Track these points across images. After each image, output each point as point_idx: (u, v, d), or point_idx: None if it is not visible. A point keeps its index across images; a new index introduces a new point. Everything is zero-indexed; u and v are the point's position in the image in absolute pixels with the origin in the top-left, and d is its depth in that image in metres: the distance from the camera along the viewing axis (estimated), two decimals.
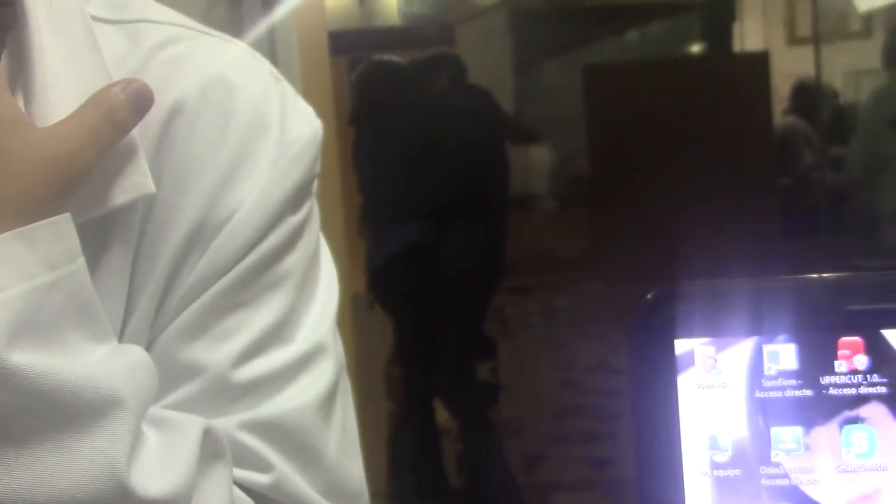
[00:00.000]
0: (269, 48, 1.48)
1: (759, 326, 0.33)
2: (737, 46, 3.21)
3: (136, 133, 0.42)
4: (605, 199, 2.70)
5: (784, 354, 0.34)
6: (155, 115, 0.43)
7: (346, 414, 0.48)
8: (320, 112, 0.51)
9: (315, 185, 0.50)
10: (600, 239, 2.76)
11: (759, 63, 2.75)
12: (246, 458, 0.42)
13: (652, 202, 2.49)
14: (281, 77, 0.50)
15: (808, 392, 0.34)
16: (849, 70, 3.15)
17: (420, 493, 2.43)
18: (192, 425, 0.40)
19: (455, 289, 2.41)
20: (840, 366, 0.34)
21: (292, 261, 0.46)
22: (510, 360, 2.71)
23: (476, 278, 2.45)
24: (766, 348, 0.34)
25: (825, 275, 0.34)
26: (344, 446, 0.46)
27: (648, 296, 0.33)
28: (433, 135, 2.42)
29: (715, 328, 0.33)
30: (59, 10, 0.43)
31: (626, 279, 2.46)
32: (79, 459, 0.35)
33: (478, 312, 2.51)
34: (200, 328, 0.43)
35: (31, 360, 0.34)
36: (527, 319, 2.73)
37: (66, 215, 0.38)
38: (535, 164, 3.11)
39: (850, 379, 0.34)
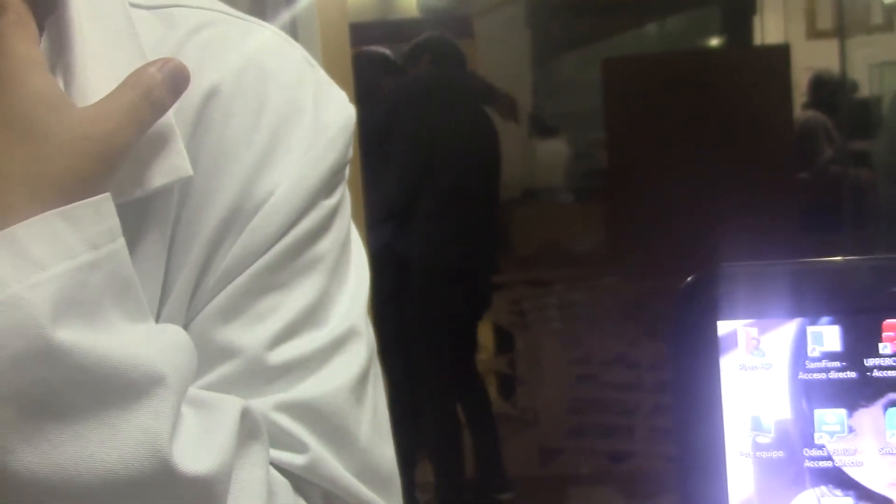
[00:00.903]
0: None
1: (803, 308, 0.33)
2: (757, 39, 3.19)
3: (173, 116, 0.42)
4: (622, 193, 2.69)
5: (828, 336, 0.33)
6: (191, 98, 0.43)
7: (377, 397, 0.48)
8: None
9: (347, 170, 0.50)
10: (618, 232, 2.75)
11: (779, 56, 2.73)
12: (281, 439, 0.43)
13: (670, 196, 2.48)
14: (314, 62, 0.51)
15: (852, 374, 0.33)
16: (872, 63, 3.12)
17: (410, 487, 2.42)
18: (231, 406, 0.40)
19: (434, 290, 2.33)
20: (884, 348, 0.34)
21: (326, 244, 0.46)
22: (527, 354, 2.71)
23: (451, 277, 2.35)
24: (810, 330, 0.33)
25: (869, 256, 0.34)
26: (376, 429, 0.46)
27: (690, 278, 0.33)
28: (400, 132, 2.32)
29: (758, 309, 0.33)
30: None
31: (644, 273, 2.45)
32: (122, 436, 0.35)
33: (467, 313, 2.44)
34: (235, 310, 0.43)
35: (74, 337, 0.35)
36: (543, 313, 2.72)
37: (107, 195, 0.38)
38: (552, 157, 3.10)
39: (894, 361, 0.33)
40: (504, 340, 2.86)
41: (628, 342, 2.52)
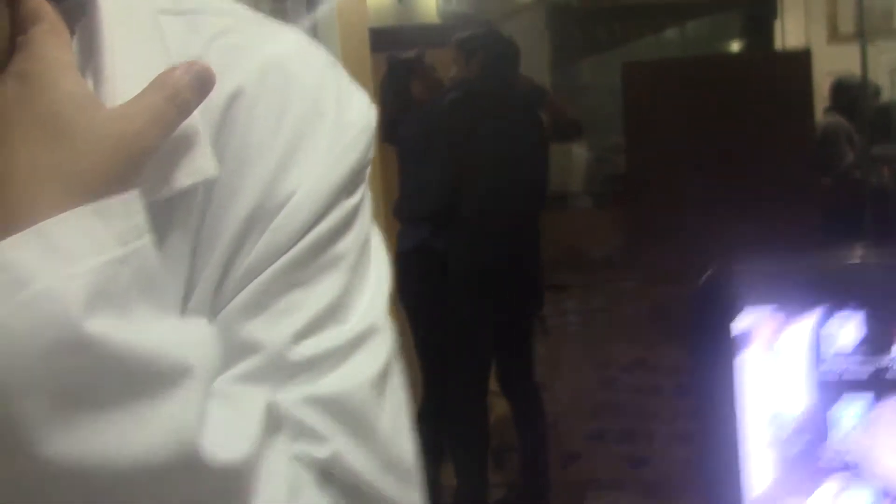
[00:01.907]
0: None
1: (822, 303, 0.33)
2: (778, 44, 3.18)
3: (199, 117, 0.43)
4: (642, 198, 2.69)
5: (845, 333, 0.34)
6: (216, 100, 0.44)
7: (398, 393, 0.48)
8: None
9: (368, 170, 0.51)
10: (637, 237, 2.74)
11: (800, 61, 2.71)
12: (304, 433, 0.43)
13: (690, 201, 2.47)
14: (337, 63, 0.51)
15: (871, 369, 0.34)
16: (893, 67, 3.10)
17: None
18: (256, 399, 0.41)
19: (470, 291, 2.35)
20: None
21: (347, 243, 0.47)
22: (547, 358, 2.71)
23: (489, 280, 2.37)
24: (828, 327, 0.34)
25: (887, 254, 0.34)
26: (396, 424, 0.47)
27: (709, 271, 0.34)
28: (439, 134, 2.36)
29: (777, 304, 0.33)
30: (127, 1, 0.45)
31: (663, 278, 2.44)
32: (151, 425, 0.36)
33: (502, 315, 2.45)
34: (259, 306, 0.44)
35: (106, 329, 0.36)
36: (563, 317, 2.72)
37: (136, 192, 0.39)
38: (572, 161, 3.11)
39: None
40: None
41: (648, 347, 2.52)
